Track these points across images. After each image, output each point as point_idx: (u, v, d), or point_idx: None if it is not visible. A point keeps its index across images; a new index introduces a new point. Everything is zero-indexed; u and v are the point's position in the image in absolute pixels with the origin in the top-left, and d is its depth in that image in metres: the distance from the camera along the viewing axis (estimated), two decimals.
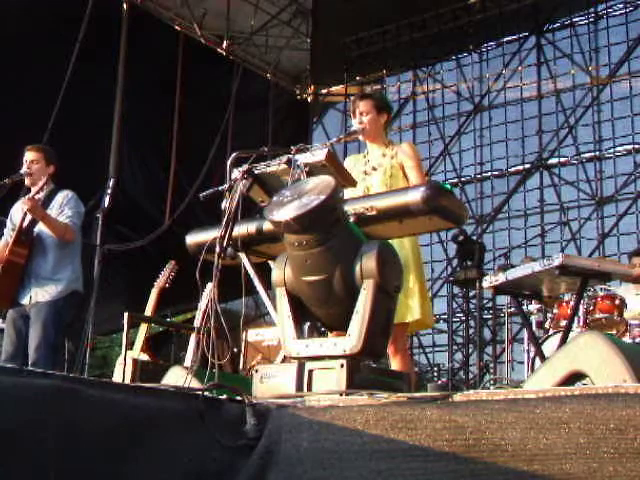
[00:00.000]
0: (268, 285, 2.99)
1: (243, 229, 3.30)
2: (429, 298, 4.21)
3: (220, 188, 3.35)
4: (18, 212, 5.24)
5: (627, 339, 5.85)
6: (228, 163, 3.29)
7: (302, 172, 3.13)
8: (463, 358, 9.62)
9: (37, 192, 4.96)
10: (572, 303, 5.53)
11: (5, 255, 4.94)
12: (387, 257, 2.58)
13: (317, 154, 3.22)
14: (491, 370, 9.44)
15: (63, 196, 5.08)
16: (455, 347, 9.94)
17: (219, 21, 11.45)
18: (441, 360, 10.89)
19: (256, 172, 3.29)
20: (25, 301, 4.95)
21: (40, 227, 4.98)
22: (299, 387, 2.55)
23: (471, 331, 9.57)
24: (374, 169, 4.23)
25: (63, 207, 5.04)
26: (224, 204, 3.18)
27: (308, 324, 2.69)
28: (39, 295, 4.93)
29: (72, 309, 5.17)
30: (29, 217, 4.98)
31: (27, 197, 4.89)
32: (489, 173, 11.42)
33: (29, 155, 5.17)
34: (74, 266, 5.09)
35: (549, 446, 1.75)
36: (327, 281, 2.56)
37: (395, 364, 3.99)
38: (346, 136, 4.68)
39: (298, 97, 13.00)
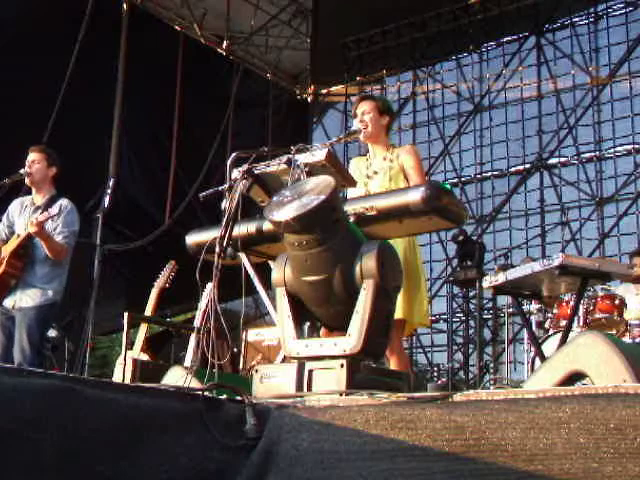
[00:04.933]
0: (268, 285, 2.99)
1: (243, 229, 3.30)
2: (420, 297, 4.18)
3: (220, 188, 3.35)
4: (16, 213, 5.22)
5: (627, 339, 5.85)
6: (228, 163, 3.29)
7: (302, 172, 3.13)
8: (463, 358, 9.62)
9: (45, 219, 4.87)
10: (572, 303, 5.53)
11: (3, 267, 4.97)
12: (387, 257, 2.58)
13: (317, 154, 3.22)
14: (491, 370, 9.44)
15: (62, 207, 5.04)
16: (455, 347, 9.94)
17: (219, 21, 11.45)
18: (441, 360, 10.90)
19: (256, 172, 3.29)
20: (8, 304, 4.97)
21: (37, 239, 4.98)
22: (299, 387, 2.54)
23: (471, 331, 9.57)
24: (375, 173, 4.24)
25: (59, 221, 5.02)
26: (224, 204, 3.18)
27: (308, 324, 2.69)
28: (23, 300, 4.95)
29: (53, 319, 5.22)
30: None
31: (34, 220, 4.87)
32: (489, 173, 11.42)
33: (31, 155, 5.17)
34: (61, 279, 5.11)
35: (549, 446, 1.75)
36: (327, 281, 2.55)
37: (392, 364, 3.98)
38: (346, 136, 4.67)
39: (298, 97, 13.00)
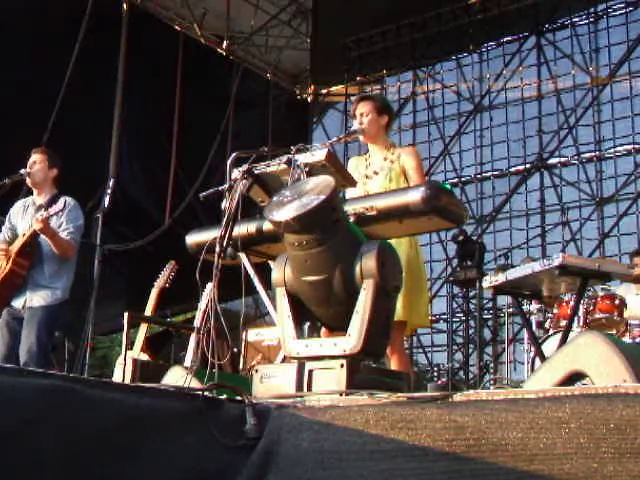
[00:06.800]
0: (268, 285, 2.99)
1: (243, 229, 3.30)
2: (423, 298, 4.19)
3: (220, 188, 3.34)
4: (19, 215, 5.23)
5: (627, 339, 5.85)
6: (228, 163, 3.29)
7: (302, 172, 3.13)
8: (463, 358, 9.62)
9: (50, 215, 4.85)
10: (572, 303, 5.53)
11: (9, 266, 4.96)
12: (387, 257, 2.58)
13: (317, 154, 3.22)
14: (491, 370, 9.44)
15: (65, 204, 5.03)
16: (455, 347, 9.94)
17: (219, 21, 11.46)
18: (441, 360, 10.90)
19: (256, 172, 3.29)
20: (18, 304, 4.97)
21: (42, 237, 4.98)
22: (299, 387, 2.54)
23: (471, 331, 9.57)
24: (375, 173, 4.23)
25: (63, 218, 5.02)
26: (224, 204, 3.18)
27: (308, 324, 2.69)
28: (34, 300, 4.95)
29: (63, 317, 5.21)
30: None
31: (39, 217, 4.85)
32: (489, 173, 11.42)
33: (33, 157, 5.21)
34: (69, 275, 5.12)
35: (549, 446, 1.75)
36: (327, 281, 2.55)
37: (392, 364, 3.98)
38: (346, 136, 4.67)
39: (298, 97, 13.00)
